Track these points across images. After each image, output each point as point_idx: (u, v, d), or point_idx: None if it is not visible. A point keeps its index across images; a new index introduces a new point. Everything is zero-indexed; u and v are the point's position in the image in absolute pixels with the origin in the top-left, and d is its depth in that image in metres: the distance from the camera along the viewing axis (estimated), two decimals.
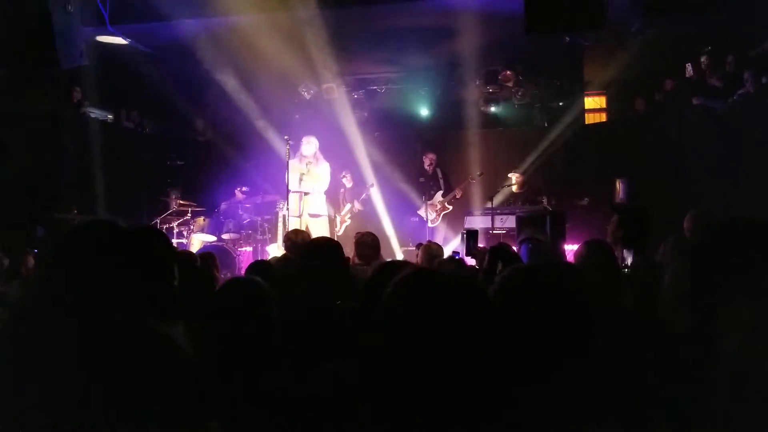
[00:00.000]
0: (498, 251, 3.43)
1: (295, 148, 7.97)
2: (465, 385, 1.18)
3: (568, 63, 9.39)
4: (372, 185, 8.94)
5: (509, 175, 8.58)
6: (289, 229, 6.52)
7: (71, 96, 8.94)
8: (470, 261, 4.47)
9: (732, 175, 6.99)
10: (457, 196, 8.62)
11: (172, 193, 8.72)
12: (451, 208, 8.60)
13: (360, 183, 9.08)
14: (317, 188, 8.02)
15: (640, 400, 1.50)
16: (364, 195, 8.91)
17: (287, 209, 7.52)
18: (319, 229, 7.79)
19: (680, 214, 4.79)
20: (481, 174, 8.54)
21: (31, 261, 4.86)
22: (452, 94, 10.04)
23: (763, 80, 6.81)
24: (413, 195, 9.00)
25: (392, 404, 1.22)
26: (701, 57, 7.88)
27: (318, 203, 8.05)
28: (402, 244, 8.87)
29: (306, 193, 7.90)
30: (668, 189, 7.84)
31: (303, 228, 7.27)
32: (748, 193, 6.63)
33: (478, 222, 8.06)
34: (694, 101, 7.68)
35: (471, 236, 4.23)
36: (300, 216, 7.79)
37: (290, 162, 7.64)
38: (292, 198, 7.68)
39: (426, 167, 8.94)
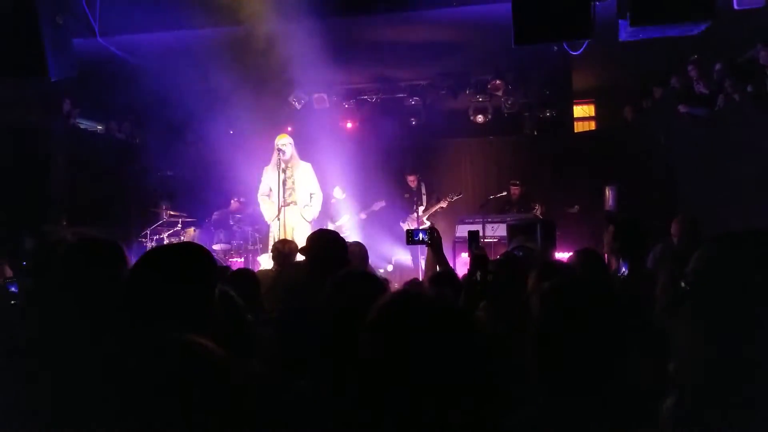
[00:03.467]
0: (479, 260, 3.43)
1: (264, 155, 7.49)
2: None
3: (556, 72, 9.47)
4: (383, 203, 8.89)
5: (510, 185, 8.66)
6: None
7: (61, 107, 8.91)
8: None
9: (719, 182, 7.06)
10: (428, 213, 8.65)
11: (162, 204, 8.69)
12: (429, 224, 8.56)
13: (357, 196, 9.08)
14: (304, 195, 7.26)
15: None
16: (375, 208, 8.89)
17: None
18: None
19: (669, 221, 4.84)
20: (461, 194, 8.57)
21: (8, 271, 4.75)
22: (442, 104, 10.09)
23: (749, 88, 6.88)
24: (402, 206, 9.03)
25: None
26: (688, 65, 7.97)
27: (307, 212, 7.30)
28: (395, 253, 8.88)
29: (292, 204, 7.13)
30: (657, 196, 7.91)
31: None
32: (734, 200, 6.69)
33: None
34: (681, 109, 7.77)
35: (473, 237, 4.12)
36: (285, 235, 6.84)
37: (265, 172, 7.31)
38: (273, 218, 7.03)
39: (409, 184, 9.01)
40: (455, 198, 8.55)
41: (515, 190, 8.63)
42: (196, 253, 1.66)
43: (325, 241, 3.08)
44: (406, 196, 8.98)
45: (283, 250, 4.53)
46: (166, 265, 1.59)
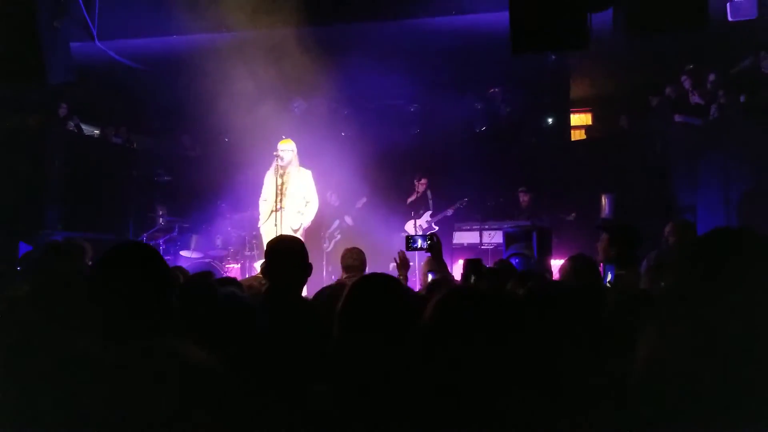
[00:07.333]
0: (472, 265, 3.42)
1: (263, 161, 7.52)
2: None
3: (554, 80, 9.51)
4: (364, 200, 8.91)
5: (519, 192, 8.69)
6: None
7: (57, 112, 8.90)
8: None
9: (714, 191, 7.09)
10: (436, 219, 8.68)
11: (158, 209, 8.67)
12: (437, 228, 8.60)
13: (348, 200, 9.07)
14: (297, 202, 7.07)
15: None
16: (358, 205, 8.90)
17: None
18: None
19: (664, 229, 4.84)
20: (466, 201, 8.53)
21: None
22: (440, 111, 10.11)
23: (742, 99, 6.93)
24: (402, 211, 9.03)
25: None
26: (682, 75, 8.02)
27: (295, 219, 7.05)
28: (393, 259, 8.86)
29: (281, 209, 6.89)
30: (652, 204, 7.94)
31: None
32: (729, 209, 6.73)
33: (466, 237, 8.10)
34: (676, 118, 7.82)
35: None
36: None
37: (267, 177, 7.25)
38: (263, 222, 7.07)
39: (417, 189, 9.02)
40: (463, 204, 8.53)
41: (524, 198, 8.63)
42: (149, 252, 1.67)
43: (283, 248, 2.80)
44: (411, 200, 8.99)
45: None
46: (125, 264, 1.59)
